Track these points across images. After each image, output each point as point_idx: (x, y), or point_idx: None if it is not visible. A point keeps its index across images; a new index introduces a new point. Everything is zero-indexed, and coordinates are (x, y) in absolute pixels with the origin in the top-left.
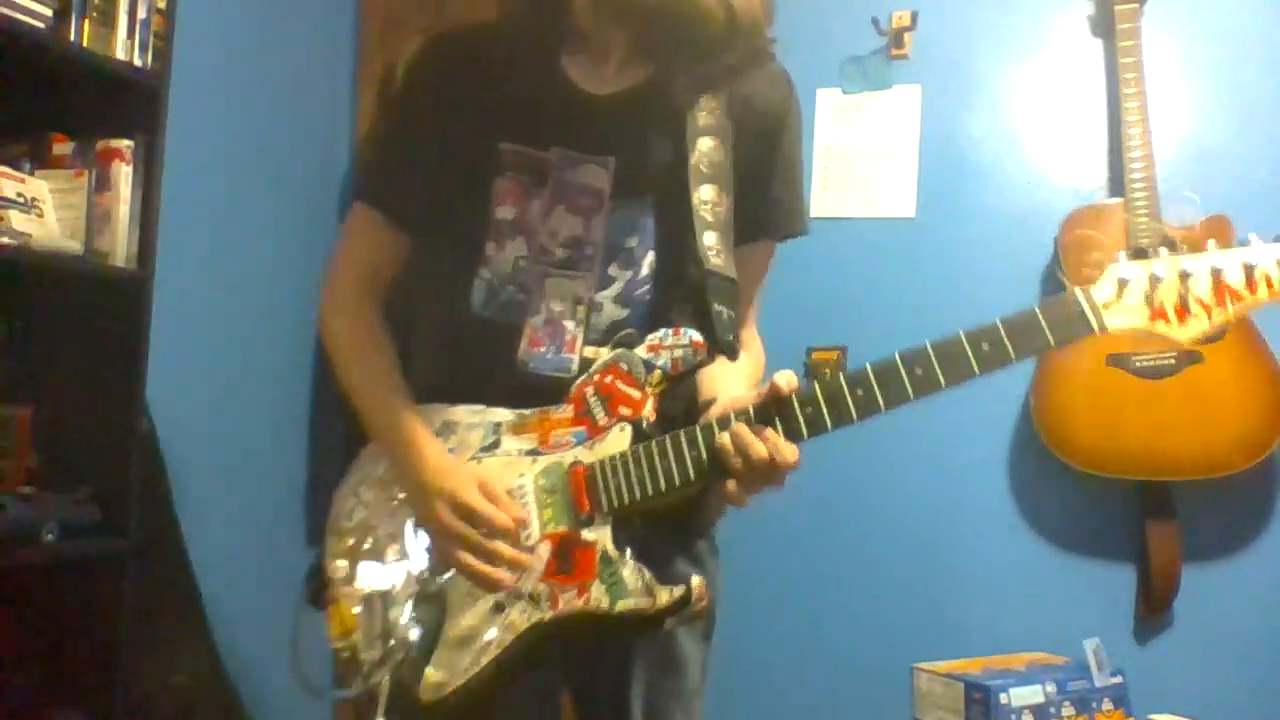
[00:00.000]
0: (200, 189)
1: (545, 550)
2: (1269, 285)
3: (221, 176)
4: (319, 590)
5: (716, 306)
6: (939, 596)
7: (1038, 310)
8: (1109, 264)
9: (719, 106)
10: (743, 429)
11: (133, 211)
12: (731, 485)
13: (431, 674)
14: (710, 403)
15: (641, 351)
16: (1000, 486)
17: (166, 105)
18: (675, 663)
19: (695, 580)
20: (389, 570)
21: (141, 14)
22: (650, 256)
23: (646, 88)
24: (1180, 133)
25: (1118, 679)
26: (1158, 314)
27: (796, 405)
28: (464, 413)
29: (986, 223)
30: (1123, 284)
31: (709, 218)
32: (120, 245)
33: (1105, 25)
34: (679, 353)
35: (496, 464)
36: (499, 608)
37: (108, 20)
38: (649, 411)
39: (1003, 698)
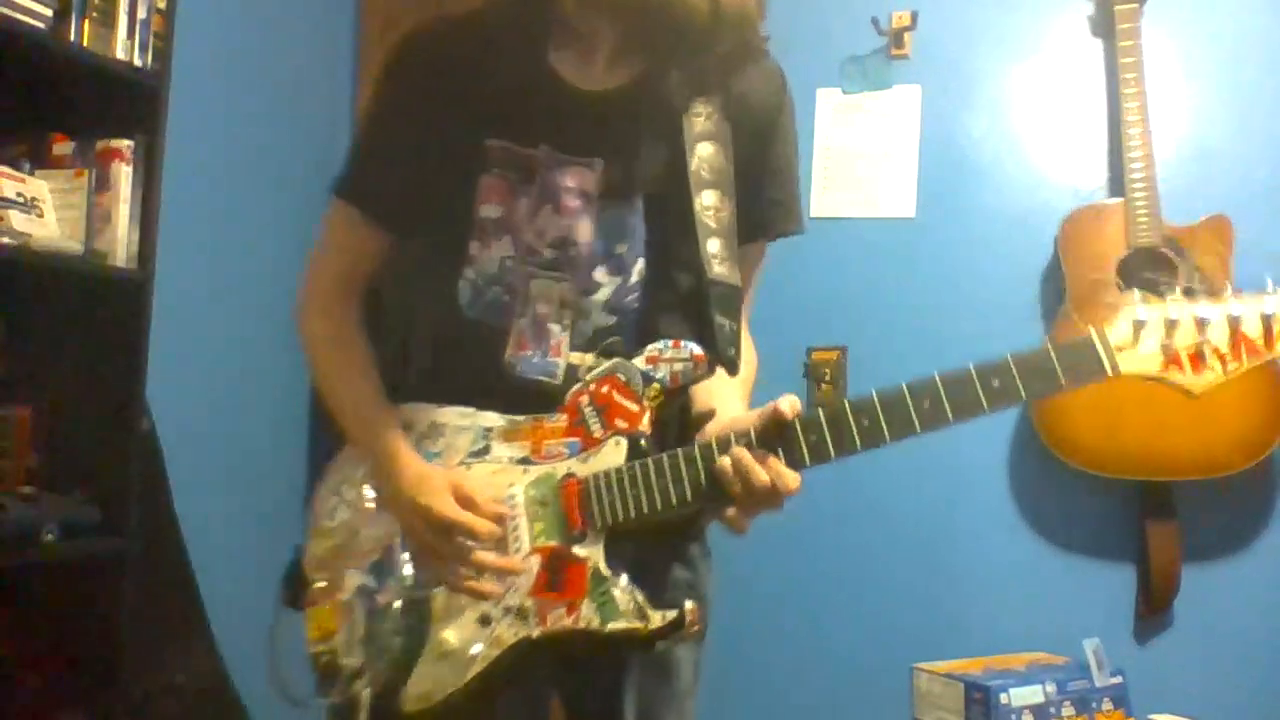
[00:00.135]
0: (200, 189)
1: (535, 564)
2: None
3: (221, 176)
4: (297, 592)
5: (719, 319)
6: (939, 596)
7: (1050, 350)
8: (1124, 305)
9: (715, 109)
10: (745, 455)
11: (133, 211)
12: (732, 512)
13: (415, 685)
14: (705, 414)
15: (640, 363)
16: (1000, 486)
17: (166, 105)
18: (667, 665)
19: (689, 605)
20: (372, 574)
21: (141, 14)
22: (640, 263)
23: (637, 87)
24: (1180, 133)
25: (1118, 679)
26: (1172, 361)
27: (800, 432)
28: (452, 414)
29: (986, 223)
30: (1138, 326)
31: (712, 224)
32: (120, 245)
33: (1105, 25)
34: (678, 366)
35: (486, 471)
36: (486, 621)
37: (108, 20)
38: (646, 426)
39: (1003, 698)
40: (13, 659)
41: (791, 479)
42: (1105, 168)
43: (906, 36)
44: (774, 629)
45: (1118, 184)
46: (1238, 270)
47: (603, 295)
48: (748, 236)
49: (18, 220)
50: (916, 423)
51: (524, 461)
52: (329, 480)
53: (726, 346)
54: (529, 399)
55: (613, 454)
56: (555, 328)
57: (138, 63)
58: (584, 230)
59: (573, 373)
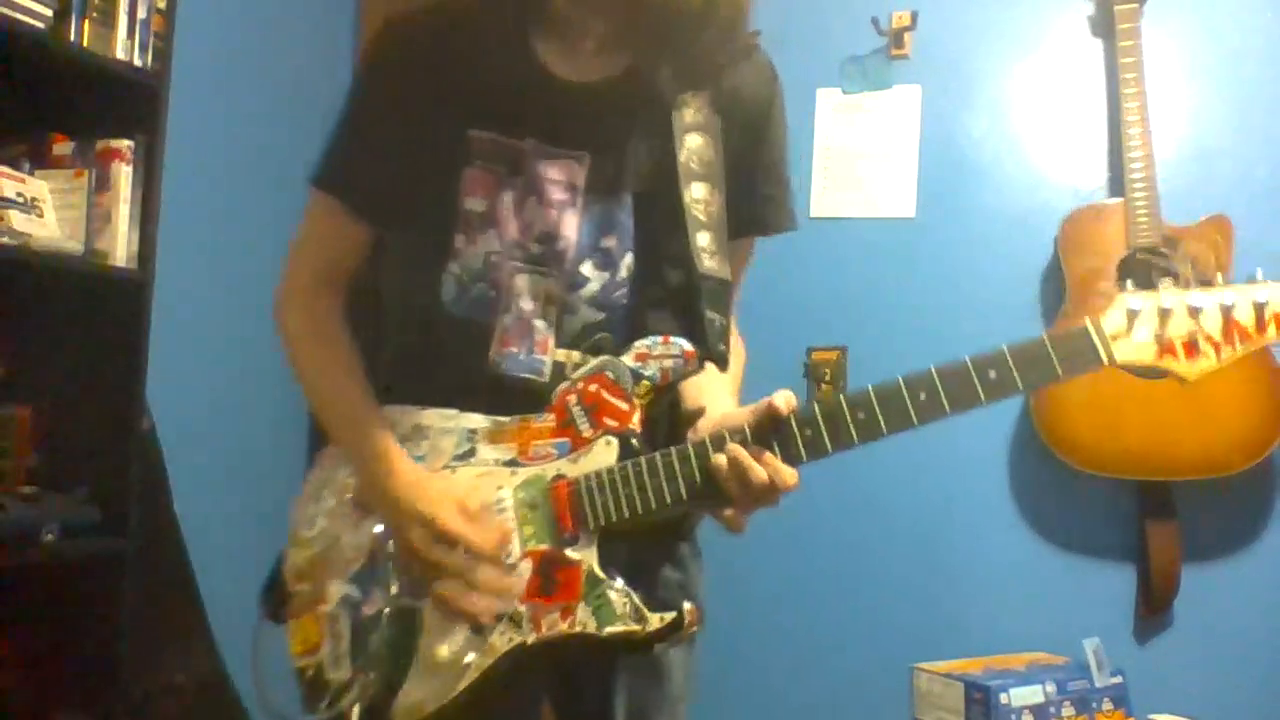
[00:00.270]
0: (200, 189)
1: (526, 569)
2: (1278, 325)
3: (221, 176)
4: (279, 604)
5: (709, 314)
6: (939, 596)
7: (1046, 340)
8: (1118, 294)
9: (705, 102)
10: (741, 452)
11: (133, 211)
12: (729, 511)
13: (406, 697)
14: (695, 412)
15: (628, 360)
16: (1000, 486)
17: (166, 105)
18: (659, 669)
19: (687, 606)
20: (357, 583)
21: (141, 14)
22: (629, 258)
23: (626, 79)
24: (1180, 133)
25: (1118, 679)
26: (1166, 350)
27: (795, 427)
28: (435, 417)
29: (986, 223)
30: (1132, 315)
31: (702, 217)
32: (120, 245)
33: (1105, 25)
34: (668, 363)
35: (472, 474)
36: (478, 629)
37: (108, 20)
38: (636, 424)
39: (1003, 698)
40: (13, 658)
41: (789, 475)
42: (1105, 168)
43: (906, 36)
44: (774, 629)
45: (1118, 184)
46: (1238, 270)
47: (590, 290)
48: (738, 232)
49: (18, 220)
50: (913, 415)
51: (511, 463)
52: (307, 487)
53: (716, 342)
54: (514, 398)
55: (603, 454)
56: (541, 324)
57: (138, 63)
58: (571, 224)
59: (559, 370)
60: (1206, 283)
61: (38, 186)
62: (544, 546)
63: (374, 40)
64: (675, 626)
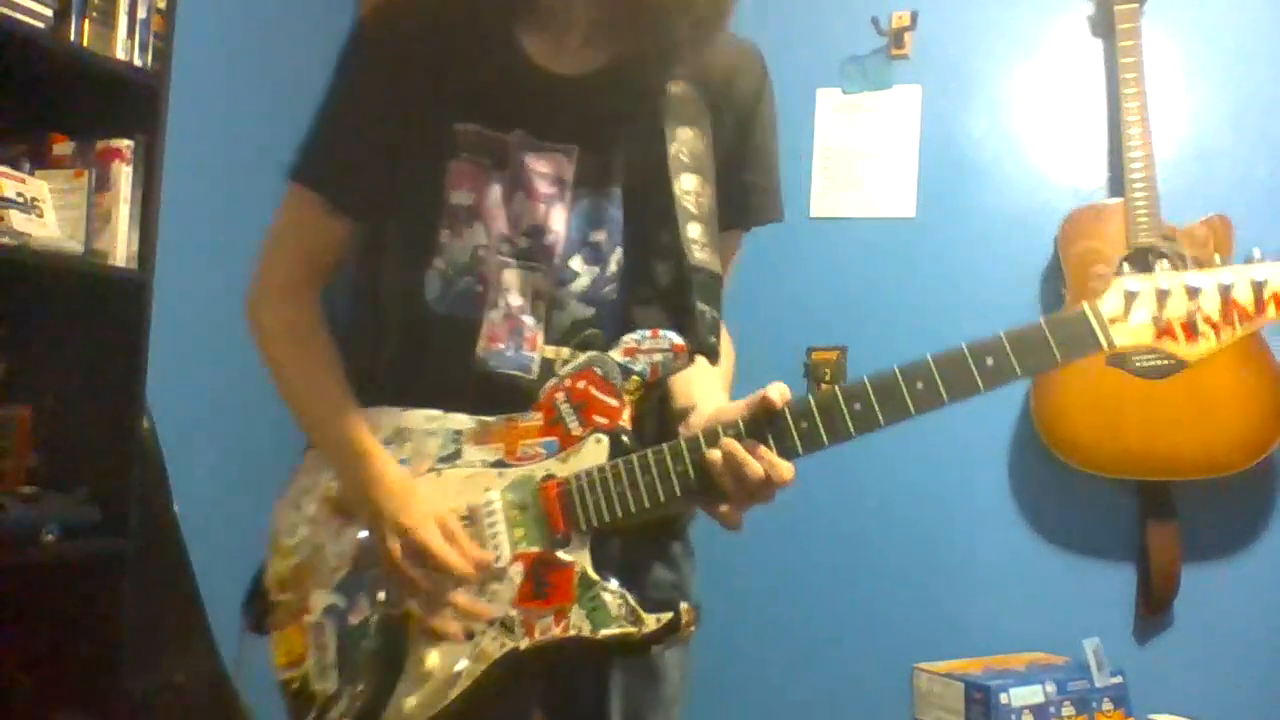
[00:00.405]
0: (200, 189)
1: (517, 572)
2: (1277, 304)
3: (221, 176)
4: (262, 615)
5: (700, 306)
6: (939, 596)
7: (1044, 324)
8: (1114, 276)
9: (694, 94)
10: (736, 446)
11: (133, 211)
12: (725, 507)
13: (397, 708)
14: (686, 410)
15: (617, 355)
16: (1000, 486)
17: (166, 105)
18: (654, 671)
19: (684, 606)
20: (342, 592)
21: (141, 14)
22: (618, 252)
23: (613, 71)
24: (1180, 133)
25: (1118, 679)
26: (1165, 332)
27: (791, 420)
28: (418, 418)
29: (986, 223)
30: (1130, 297)
31: (692, 209)
32: (120, 245)
33: (1105, 25)
34: (658, 357)
35: (458, 477)
36: (469, 635)
37: (108, 20)
38: (626, 421)
39: (1003, 698)
40: (13, 658)
41: (785, 469)
42: (1105, 168)
43: (906, 36)
44: (774, 630)
45: (1118, 184)
46: None
47: (580, 285)
48: (727, 223)
49: (18, 220)
50: (911, 405)
51: (499, 464)
52: (288, 493)
53: (708, 334)
54: (500, 397)
55: (594, 452)
56: (529, 320)
57: (138, 63)
58: (559, 218)
59: (548, 367)
60: (1203, 263)
61: (38, 186)
62: (535, 549)
63: (357, 28)
64: (672, 627)
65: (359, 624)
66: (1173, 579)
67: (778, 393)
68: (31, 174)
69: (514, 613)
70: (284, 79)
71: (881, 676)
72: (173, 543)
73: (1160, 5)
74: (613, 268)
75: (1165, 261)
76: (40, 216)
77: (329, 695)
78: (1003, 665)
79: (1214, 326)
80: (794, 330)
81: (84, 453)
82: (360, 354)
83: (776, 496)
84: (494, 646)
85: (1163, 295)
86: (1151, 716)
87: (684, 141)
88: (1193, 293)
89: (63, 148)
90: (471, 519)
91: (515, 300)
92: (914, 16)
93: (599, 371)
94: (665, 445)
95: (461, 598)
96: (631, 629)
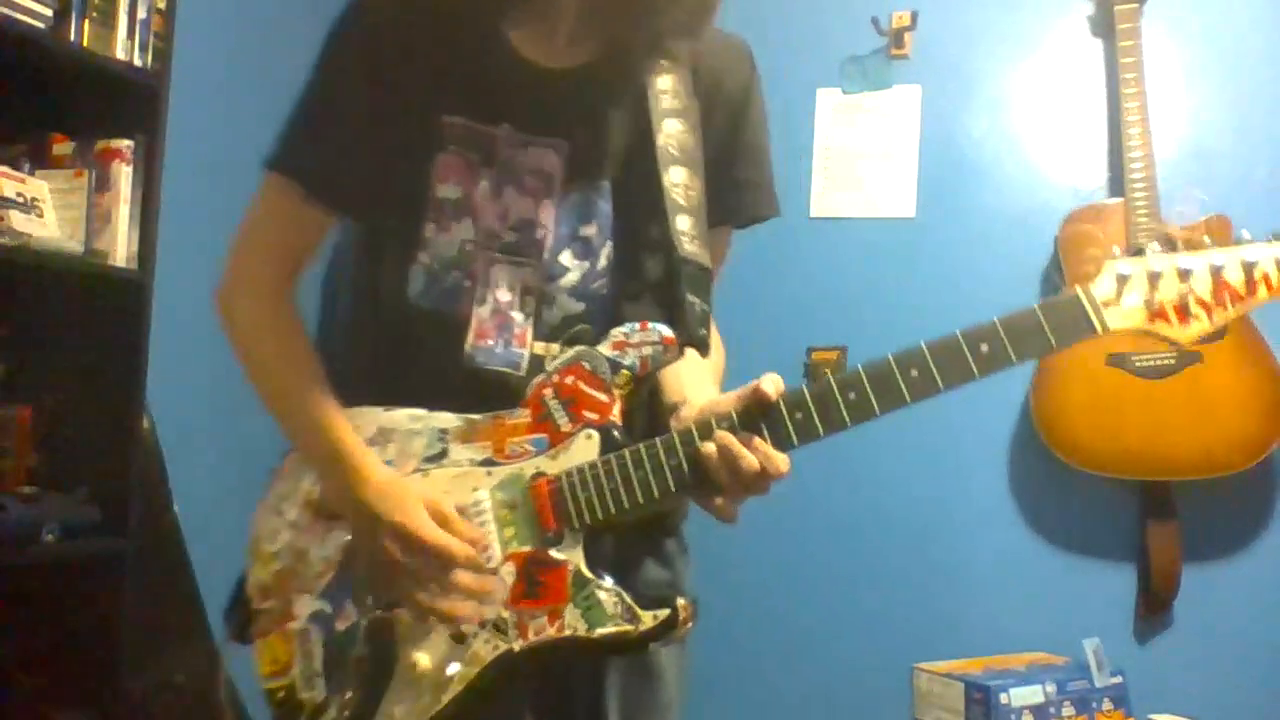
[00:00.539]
0: (200, 189)
1: (509, 573)
2: (1268, 285)
3: (221, 176)
4: (244, 624)
5: (690, 298)
6: (939, 596)
7: (1038, 309)
8: (1106, 260)
9: (682, 87)
10: (730, 439)
11: (133, 211)
12: (720, 501)
13: (387, 714)
14: (677, 403)
15: (605, 349)
16: (1000, 486)
17: (166, 105)
18: (653, 670)
19: (680, 602)
20: (327, 597)
21: (141, 14)
22: (609, 247)
23: (600, 64)
24: (1180, 133)
25: (1118, 679)
26: (1158, 314)
27: (785, 411)
28: (402, 418)
29: (986, 223)
30: (1122, 280)
31: (681, 201)
32: (120, 245)
33: (1105, 25)
34: (647, 350)
35: (446, 477)
36: (460, 638)
37: (108, 20)
38: (617, 416)
39: (1003, 698)
40: (13, 658)
41: (781, 461)
42: (1105, 168)
43: (906, 36)
44: (774, 630)
45: (1118, 184)
46: None
47: (570, 280)
48: (720, 219)
49: (18, 220)
50: (906, 393)
51: (487, 463)
52: (269, 497)
53: (698, 327)
54: (488, 395)
55: (584, 448)
56: (518, 316)
57: (138, 63)
58: (548, 212)
59: (537, 364)
60: (1194, 246)
61: (38, 186)
62: (527, 548)
63: (343, 17)
64: (670, 624)
65: (346, 630)
66: (1173, 579)
67: (771, 384)
68: (31, 174)
69: (506, 614)
70: (284, 79)
71: (881, 676)
72: (173, 543)
73: (1160, 5)
74: (603, 262)
75: (1157, 244)
76: (40, 216)
77: (316, 704)
78: (1003, 665)
79: (1206, 308)
80: (794, 330)
81: (84, 453)
82: (350, 353)
83: (771, 489)
84: (486, 649)
85: (1154, 278)
86: (1151, 716)
87: (672, 134)
88: (1184, 274)
89: (63, 148)
90: None
91: (504, 296)
92: (914, 16)
93: (587, 366)
94: (658, 439)
95: (466, 577)
96: (628, 627)
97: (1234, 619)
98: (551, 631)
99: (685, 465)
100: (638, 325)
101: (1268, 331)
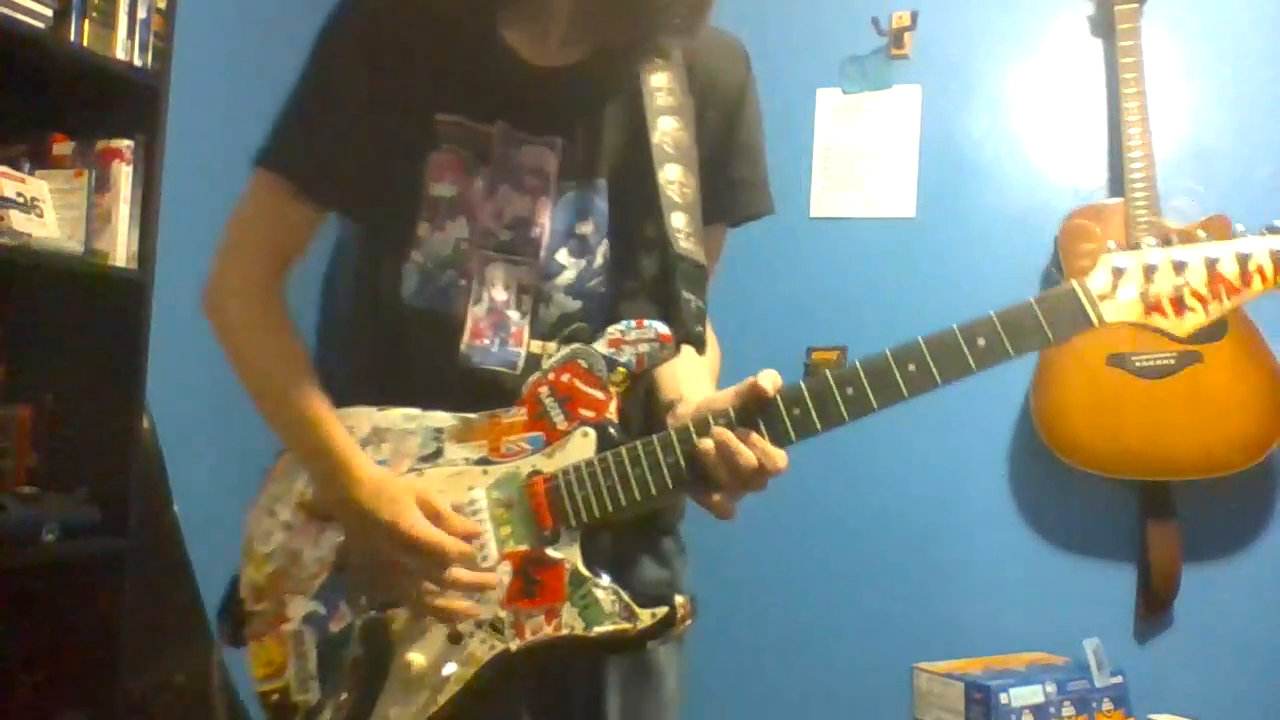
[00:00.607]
0: (200, 189)
1: (506, 572)
2: (1263, 277)
3: (221, 176)
4: (238, 626)
5: (685, 295)
6: (939, 596)
7: (1034, 303)
8: (1101, 254)
9: (677, 85)
10: (728, 435)
11: (133, 211)
12: (718, 498)
13: (383, 716)
14: (673, 401)
15: (601, 347)
16: (1000, 486)
17: (166, 105)
18: (651, 669)
19: (679, 600)
20: (321, 599)
21: (141, 14)
22: (605, 245)
23: (594, 62)
24: (1180, 133)
25: (1118, 679)
26: (1153, 307)
27: (783, 407)
28: (397, 417)
29: (986, 223)
30: (1117, 273)
31: (677, 198)
32: (120, 245)
33: (1105, 25)
34: (643, 348)
35: (441, 476)
36: (456, 638)
37: (108, 20)
38: (613, 414)
39: (1003, 698)
40: (13, 658)
41: (778, 457)
42: (1105, 168)
43: (906, 36)
44: (774, 630)
45: (1117, 184)
46: None
47: (566, 279)
48: (713, 217)
49: (18, 220)
50: (903, 388)
51: (482, 462)
52: (261, 498)
53: (693, 323)
54: (484, 394)
55: (581, 446)
56: (514, 314)
57: (138, 63)
58: (545, 210)
59: (534, 362)
60: (1188, 239)
61: (38, 186)
62: (523, 547)
63: (335, 12)
64: (668, 622)
65: (340, 631)
66: (1173, 579)
67: (768, 380)
68: (31, 174)
69: (503, 613)
70: (284, 79)
71: (881, 676)
72: (173, 543)
73: (1160, 5)
74: (599, 260)
75: (1152, 238)
76: (40, 216)
77: (311, 706)
78: (1003, 665)
79: (1201, 300)
80: (794, 330)
81: (84, 453)
82: (348, 352)
83: (769, 485)
84: (483, 649)
85: (1150, 270)
86: (1151, 716)
87: (667, 132)
88: (1179, 267)
89: (63, 148)
90: None
91: (500, 295)
92: (914, 16)
93: (583, 364)
94: (655, 436)
95: (462, 574)
96: (626, 625)
97: (1234, 619)
98: (549, 630)
99: (683, 462)
100: (634, 323)
101: (1268, 331)
